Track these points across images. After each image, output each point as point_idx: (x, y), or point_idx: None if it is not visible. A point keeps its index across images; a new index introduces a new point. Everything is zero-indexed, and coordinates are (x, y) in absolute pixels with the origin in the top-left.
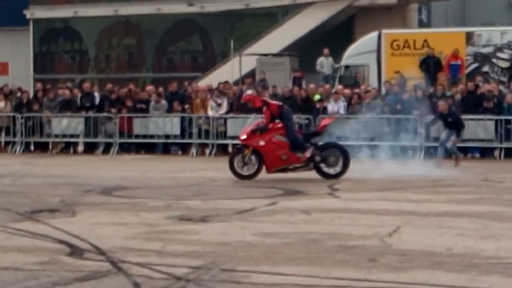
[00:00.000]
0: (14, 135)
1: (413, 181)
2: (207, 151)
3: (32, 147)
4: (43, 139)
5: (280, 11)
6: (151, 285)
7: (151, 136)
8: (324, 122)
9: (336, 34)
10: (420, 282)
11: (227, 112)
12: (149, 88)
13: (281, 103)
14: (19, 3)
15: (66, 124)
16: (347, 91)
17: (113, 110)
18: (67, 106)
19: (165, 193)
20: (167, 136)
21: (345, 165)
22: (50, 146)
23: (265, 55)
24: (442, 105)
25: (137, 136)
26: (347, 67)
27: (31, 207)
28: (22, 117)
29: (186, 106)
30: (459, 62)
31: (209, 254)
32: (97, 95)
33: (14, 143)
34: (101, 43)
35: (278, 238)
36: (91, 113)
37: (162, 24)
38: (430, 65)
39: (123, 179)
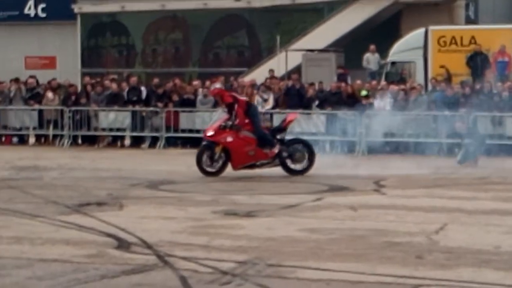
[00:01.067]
0: (62, 128)
1: (459, 179)
2: None
3: (79, 141)
4: (91, 133)
5: (326, 6)
6: (198, 279)
7: (197, 131)
8: (290, 117)
9: (383, 30)
10: (466, 280)
11: (273, 107)
12: (196, 82)
13: (247, 99)
14: None
15: (113, 118)
16: (393, 87)
17: (160, 104)
18: (114, 100)
19: (211, 188)
20: None
21: (311, 161)
22: (97, 140)
23: (311, 50)
24: (459, 126)
25: (183, 131)
26: (393, 63)
27: (79, 200)
28: (69, 111)
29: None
30: (506, 59)
31: (254, 249)
32: (143, 89)
33: (61, 136)
34: (148, 38)
35: (324, 234)
36: (137, 107)
37: (209, 18)
38: (477, 62)
39: (169, 173)
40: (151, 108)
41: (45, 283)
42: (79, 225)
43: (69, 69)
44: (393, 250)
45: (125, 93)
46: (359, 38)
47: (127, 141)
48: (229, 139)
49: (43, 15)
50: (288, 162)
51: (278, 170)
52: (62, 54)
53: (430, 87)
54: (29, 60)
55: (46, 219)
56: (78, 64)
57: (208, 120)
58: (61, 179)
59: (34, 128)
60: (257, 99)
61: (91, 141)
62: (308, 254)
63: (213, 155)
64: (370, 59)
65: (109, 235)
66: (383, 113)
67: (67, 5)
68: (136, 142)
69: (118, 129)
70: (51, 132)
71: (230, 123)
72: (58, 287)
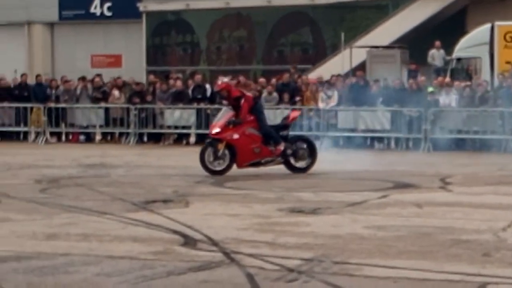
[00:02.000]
0: (128, 126)
1: None
2: (318, 143)
3: (145, 138)
4: (156, 130)
5: (390, 3)
6: (264, 276)
7: None
8: (293, 114)
9: (448, 26)
10: None
11: (338, 104)
12: (261, 80)
13: (256, 95)
14: None
15: (178, 116)
16: (459, 83)
17: (224, 102)
18: (179, 98)
19: (275, 185)
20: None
21: (313, 159)
22: (163, 138)
23: (376, 47)
24: None
25: None
26: (459, 59)
27: (145, 197)
28: (135, 109)
29: (297, 98)
30: None
31: (320, 247)
32: (208, 87)
33: (127, 134)
34: (213, 35)
35: (390, 231)
36: (202, 105)
37: (273, 16)
38: None
39: (234, 170)
40: (216, 106)
41: (113, 279)
42: (146, 222)
43: (134, 67)
44: (460, 248)
45: (190, 91)
46: (424, 34)
47: (192, 139)
48: (235, 136)
49: (109, 13)
50: (292, 160)
51: (344, 167)
52: (128, 52)
53: (496, 83)
54: (95, 59)
55: (114, 216)
56: (143, 62)
57: (273, 118)
58: (127, 177)
59: (101, 126)
60: (321, 96)
61: (156, 138)
62: (375, 251)
63: (216, 153)
64: (435, 55)
65: (176, 232)
66: (448, 109)
67: (133, 4)
68: (201, 139)
69: (183, 127)
70: (117, 130)
71: (234, 119)
72: (125, 283)
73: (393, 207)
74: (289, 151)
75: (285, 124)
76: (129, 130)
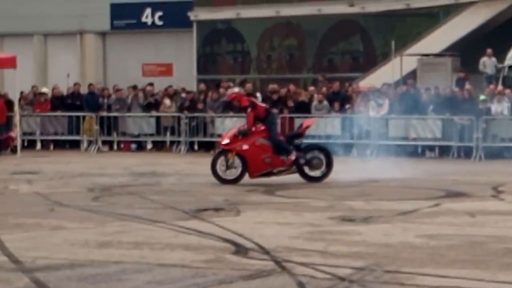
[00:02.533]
0: (179, 134)
1: None
2: (368, 152)
3: (196, 147)
4: (207, 139)
5: (441, 11)
6: (315, 285)
7: (312, 137)
8: (307, 123)
9: (500, 34)
10: None
11: (388, 113)
12: (312, 88)
13: (268, 106)
14: (184, 5)
15: (229, 124)
16: (511, 91)
17: (275, 110)
18: (230, 106)
19: (326, 193)
20: (328, 137)
21: (329, 167)
22: (214, 146)
23: (426, 55)
24: None
25: None
26: (510, 67)
27: (196, 205)
28: (186, 117)
29: (347, 106)
30: None
31: (372, 255)
32: (259, 95)
33: (178, 142)
34: (263, 44)
35: (442, 240)
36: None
37: (323, 24)
38: None
39: (284, 178)
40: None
41: (164, 287)
42: (197, 230)
43: (185, 76)
44: None
45: None
46: (475, 42)
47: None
48: (245, 147)
49: (160, 23)
50: (306, 169)
51: (394, 176)
52: (179, 61)
53: None
54: (146, 68)
55: (165, 225)
56: (194, 71)
57: (323, 126)
58: (179, 185)
59: (152, 135)
60: (372, 104)
61: (207, 147)
62: (427, 260)
63: (227, 163)
64: (487, 63)
65: (227, 240)
66: (500, 117)
67: (184, 13)
68: None
69: None
70: (168, 138)
71: (242, 130)
72: None
73: (445, 216)
74: (302, 161)
75: (298, 133)
76: (180, 139)
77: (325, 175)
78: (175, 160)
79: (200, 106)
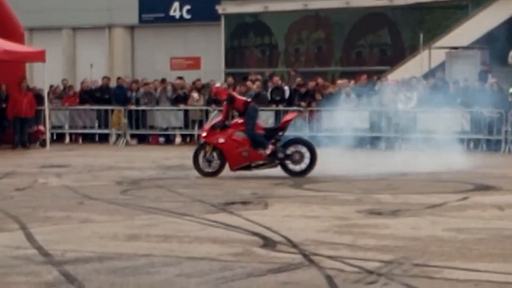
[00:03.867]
0: None
1: None
2: (397, 145)
3: None
4: None
5: (470, 3)
6: (343, 278)
7: (340, 130)
8: (287, 117)
9: None
10: None
11: (417, 106)
12: (339, 82)
13: (248, 100)
14: None
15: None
16: None
17: (303, 103)
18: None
19: (354, 187)
20: (355, 130)
21: (312, 162)
22: None
23: (455, 48)
24: None
25: (325, 130)
26: None
27: (224, 199)
28: (214, 110)
29: (374, 99)
30: None
31: (400, 249)
32: (286, 88)
33: None
34: (291, 37)
35: (471, 233)
36: (281, 107)
37: (351, 17)
38: None
39: (312, 172)
40: (294, 108)
41: (193, 280)
42: (225, 223)
43: (213, 70)
44: None
45: (268, 93)
46: (504, 35)
47: None
48: (221, 140)
49: (188, 16)
50: (288, 163)
51: (421, 169)
52: (207, 55)
53: None
54: (174, 61)
55: (193, 218)
56: (222, 64)
57: (351, 119)
58: (207, 178)
59: (180, 128)
60: (400, 98)
61: None
62: (455, 254)
63: (205, 154)
64: None
65: (255, 233)
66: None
67: (212, 7)
68: None
69: None
70: (196, 131)
71: (219, 123)
72: (206, 285)
73: (473, 209)
74: (280, 155)
75: (278, 127)
76: None
77: (307, 169)
78: None
79: None
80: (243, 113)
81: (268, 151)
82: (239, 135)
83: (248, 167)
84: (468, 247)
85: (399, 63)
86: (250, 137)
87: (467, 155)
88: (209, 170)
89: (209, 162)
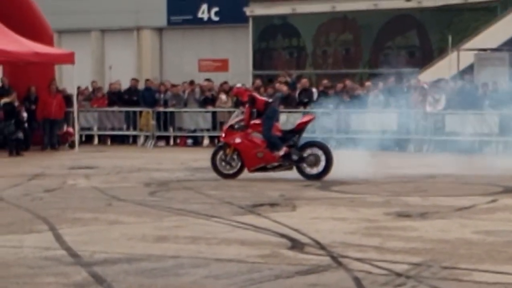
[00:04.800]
0: None
1: None
2: (425, 147)
3: None
4: None
5: (499, 5)
6: (372, 281)
7: (368, 132)
8: (303, 120)
9: None
10: None
11: (445, 108)
12: (368, 83)
13: (269, 100)
14: (239, 1)
15: (284, 119)
16: None
17: (331, 105)
18: (285, 101)
19: (382, 189)
20: (383, 132)
21: (328, 165)
22: None
23: (484, 50)
24: None
25: (354, 132)
26: None
27: (252, 200)
28: (242, 112)
29: (403, 101)
30: None
31: (428, 251)
32: (314, 90)
33: None
34: (319, 39)
35: (500, 236)
36: (309, 109)
37: (379, 19)
38: None
39: (340, 174)
40: (322, 110)
41: (221, 282)
42: (253, 225)
43: (240, 71)
44: None
45: (296, 95)
46: None
47: None
48: (237, 140)
49: (216, 18)
50: (303, 166)
51: (450, 171)
52: (234, 57)
53: None
54: (202, 63)
55: (221, 219)
56: (250, 66)
57: (379, 121)
58: (235, 180)
59: (208, 130)
60: (428, 99)
61: None
62: (484, 256)
63: (226, 157)
64: None
65: (283, 235)
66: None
67: (240, 9)
68: None
69: None
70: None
71: (239, 124)
72: (234, 286)
73: (503, 211)
74: (294, 157)
75: (294, 130)
76: None
77: (323, 172)
78: None
79: None
80: (263, 113)
81: (281, 153)
82: (256, 135)
83: (264, 169)
84: (497, 250)
85: (427, 65)
86: (265, 138)
87: (496, 157)
88: (229, 171)
89: (229, 163)
